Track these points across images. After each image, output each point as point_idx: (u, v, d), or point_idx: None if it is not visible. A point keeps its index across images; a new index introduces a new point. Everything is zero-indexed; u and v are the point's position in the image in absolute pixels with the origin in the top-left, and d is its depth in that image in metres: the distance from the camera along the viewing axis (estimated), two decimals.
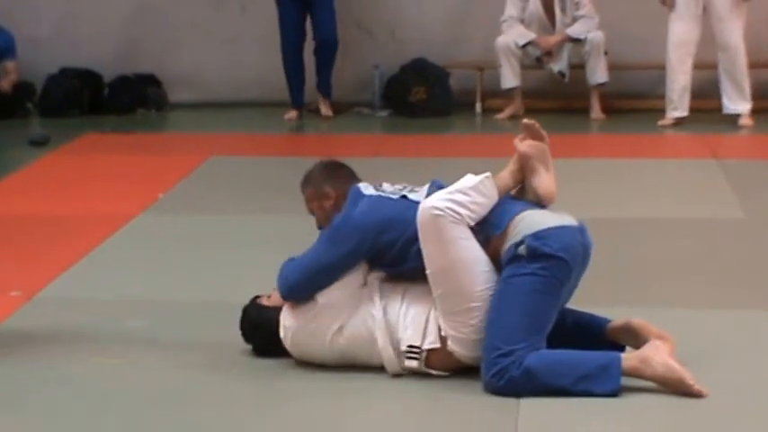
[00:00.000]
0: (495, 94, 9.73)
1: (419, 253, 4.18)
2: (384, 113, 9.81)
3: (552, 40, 9.36)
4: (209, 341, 4.60)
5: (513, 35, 9.37)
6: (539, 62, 9.50)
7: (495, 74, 9.53)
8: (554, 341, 4.18)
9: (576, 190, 7.19)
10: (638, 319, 4.32)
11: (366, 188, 4.35)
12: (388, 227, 4.22)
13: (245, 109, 9.99)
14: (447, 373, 4.23)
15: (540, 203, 4.26)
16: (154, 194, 7.00)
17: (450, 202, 4.12)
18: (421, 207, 4.15)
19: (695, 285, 5.41)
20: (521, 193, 4.32)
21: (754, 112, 9.13)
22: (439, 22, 9.98)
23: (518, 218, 4.17)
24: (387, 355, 4.23)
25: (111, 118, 9.50)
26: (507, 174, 4.28)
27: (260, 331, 4.41)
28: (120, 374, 4.36)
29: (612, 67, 9.47)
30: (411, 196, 4.29)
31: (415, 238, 4.17)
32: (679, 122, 9.06)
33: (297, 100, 9.66)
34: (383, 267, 4.32)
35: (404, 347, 4.22)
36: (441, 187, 4.30)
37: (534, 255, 4.09)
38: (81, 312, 5.13)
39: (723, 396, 4.12)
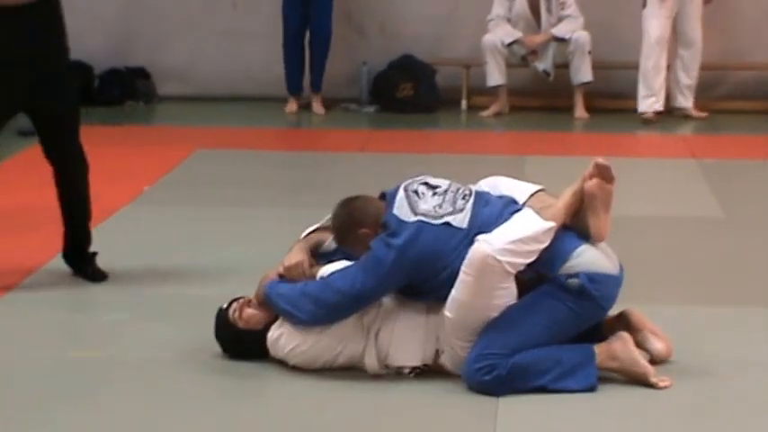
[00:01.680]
0: (481, 92, 9.78)
1: (447, 284, 4.12)
2: (371, 109, 9.85)
3: (537, 39, 9.42)
4: (192, 335, 4.61)
5: (500, 34, 9.44)
6: (524, 61, 9.56)
7: (480, 71, 9.58)
8: None
9: (559, 188, 7.25)
10: (635, 312, 4.40)
11: (404, 212, 4.17)
12: (430, 260, 4.13)
13: (234, 103, 9.99)
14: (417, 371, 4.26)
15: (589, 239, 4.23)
16: (139, 187, 7.02)
17: (510, 254, 4.05)
18: (478, 248, 4.04)
19: (674, 283, 5.46)
20: (571, 222, 4.25)
21: (733, 112, 9.36)
22: (427, 20, 10.02)
23: (574, 254, 4.14)
24: (370, 364, 4.25)
25: (101, 110, 9.52)
26: (563, 209, 4.21)
27: (244, 345, 4.37)
28: (97, 369, 4.37)
29: (596, 67, 9.53)
30: (454, 222, 4.17)
31: (452, 274, 4.09)
32: (654, 119, 9.20)
33: (295, 86, 9.66)
34: (407, 294, 4.25)
35: (396, 365, 4.22)
36: (487, 204, 4.20)
37: (582, 294, 4.11)
38: (61, 305, 5.15)
39: (699, 391, 4.20)
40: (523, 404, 4.08)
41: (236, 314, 4.34)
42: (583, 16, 9.41)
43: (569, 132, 9.18)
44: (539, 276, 4.16)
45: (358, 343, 4.24)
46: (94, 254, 5.39)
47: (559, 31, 9.39)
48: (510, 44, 9.42)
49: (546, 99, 9.78)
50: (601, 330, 4.34)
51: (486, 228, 4.14)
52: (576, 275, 4.11)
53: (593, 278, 4.12)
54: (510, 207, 4.24)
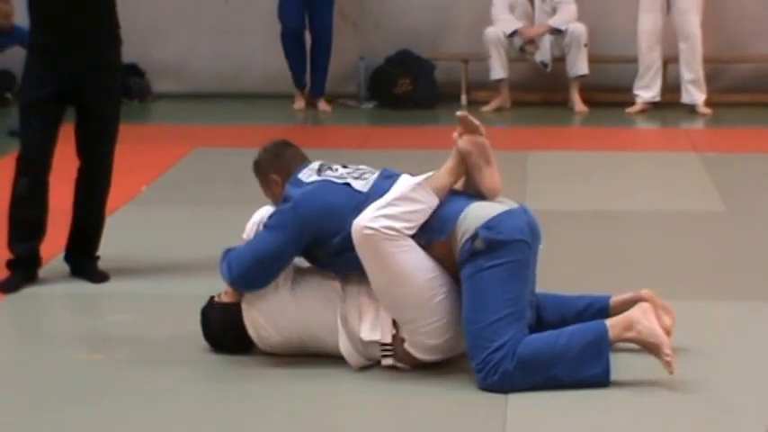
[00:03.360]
0: (480, 86, 9.76)
1: (344, 252, 4.17)
2: (369, 105, 9.82)
3: (534, 30, 9.39)
4: (194, 335, 4.57)
5: (502, 25, 9.39)
6: (522, 52, 9.53)
7: (479, 66, 9.56)
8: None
9: (558, 183, 7.25)
10: (645, 291, 4.39)
11: (309, 176, 4.33)
12: (328, 213, 4.21)
13: (231, 100, 9.98)
14: (410, 368, 4.25)
15: (484, 197, 4.23)
16: (137, 186, 7.01)
17: (383, 218, 4.09)
18: (354, 227, 4.11)
19: (676, 277, 5.45)
20: (464, 186, 4.27)
21: (733, 105, 9.35)
22: (424, 14, 9.99)
23: (461, 216, 4.15)
24: (347, 351, 4.25)
25: None
26: (445, 173, 4.22)
27: (232, 332, 4.38)
28: (100, 371, 4.36)
29: (595, 61, 9.52)
30: (355, 185, 4.26)
31: (346, 239, 4.15)
32: (646, 110, 9.26)
33: (297, 82, 9.63)
34: (330, 262, 4.28)
35: (366, 339, 4.22)
36: (390, 177, 4.28)
37: (492, 245, 4.08)
38: (63, 307, 5.15)
39: (705, 386, 4.18)
40: (533, 398, 4.05)
41: (219, 297, 4.43)
42: (575, 3, 9.39)
43: (569, 126, 9.17)
44: (440, 246, 4.13)
45: (329, 330, 4.25)
46: (97, 257, 5.38)
47: (555, 21, 9.36)
48: (510, 35, 9.39)
49: (546, 93, 9.75)
50: (608, 313, 4.33)
51: (384, 194, 4.19)
52: (474, 236, 4.09)
53: (489, 225, 4.10)
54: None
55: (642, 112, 9.35)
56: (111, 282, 5.33)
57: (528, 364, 4.07)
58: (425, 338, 4.18)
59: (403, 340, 4.21)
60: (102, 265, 5.40)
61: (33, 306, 5.10)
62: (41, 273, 5.35)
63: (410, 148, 8.11)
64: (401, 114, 9.49)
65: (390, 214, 4.09)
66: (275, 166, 4.43)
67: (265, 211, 4.42)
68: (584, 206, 6.71)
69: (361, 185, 4.26)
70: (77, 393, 4.17)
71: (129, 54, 9.87)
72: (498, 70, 9.43)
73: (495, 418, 3.95)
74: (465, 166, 4.22)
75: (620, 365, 4.22)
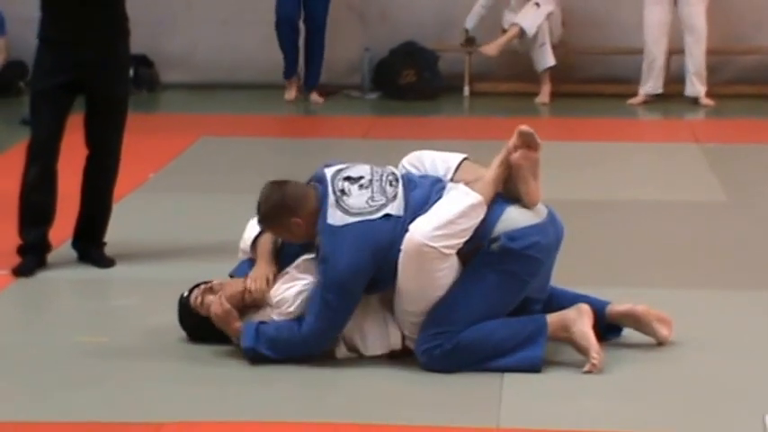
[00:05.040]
0: (483, 78, 9.81)
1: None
2: (373, 96, 9.86)
3: (487, 49, 9.46)
4: None
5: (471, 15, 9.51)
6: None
7: (482, 57, 9.61)
8: None
9: (559, 173, 7.28)
10: (641, 306, 4.40)
11: (337, 216, 4.13)
12: (384, 255, 4.13)
13: (237, 90, 10.00)
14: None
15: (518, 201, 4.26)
16: (144, 174, 7.06)
17: (444, 238, 4.08)
18: (411, 236, 4.07)
19: (677, 267, 5.49)
20: (504, 189, 4.27)
21: (737, 96, 9.40)
22: (429, 5, 10.02)
23: (499, 222, 4.17)
24: (341, 354, 4.29)
25: None
26: (491, 183, 4.21)
27: (202, 332, 4.40)
28: (104, 354, 4.40)
29: (599, 52, 9.55)
30: (392, 212, 4.16)
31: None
32: (648, 101, 9.29)
33: (290, 73, 9.63)
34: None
35: (369, 355, 4.25)
36: (415, 186, 4.20)
37: (505, 252, 4.14)
38: (70, 292, 5.21)
39: (705, 374, 4.23)
40: (528, 384, 4.11)
41: (198, 301, 4.37)
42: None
43: (570, 117, 9.19)
44: (475, 248, 4.17)
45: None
46: (104, 243, 5.45)
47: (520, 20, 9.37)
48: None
49: (552, 86, 9.75)
50: (604, 319, 4.38)
51: (420, 210, 4.16)
52: (497, 239, 4.14)
53: (513, 236, 4.14)
54: (437, 185, 4.25)
55: (644, 103, 9.38)
56: (117, 267, 5.39)
57: (465, 348, 4.13)
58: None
59: (404, 337, 4.26)
60: (108, 251, 5.46)
61: (41, 290, 5.17)
62: (49, 258, 5.41)
63: (413, 139, 8.14)
64: (405, 105, 9.52)
65: (451, 233, 4.09)
66: (292, 211, 4.21)
67: (256, 224, 4.33)
68: (585, 196, 6.73)
69: (396, 209, 4.17)
70: (81, 376, 4.22)
71: (138, 45, 9.89)
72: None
73: (490, 402, 4.00)
74: (508, 175, 4.22)
75: (619, 354, 4.28)
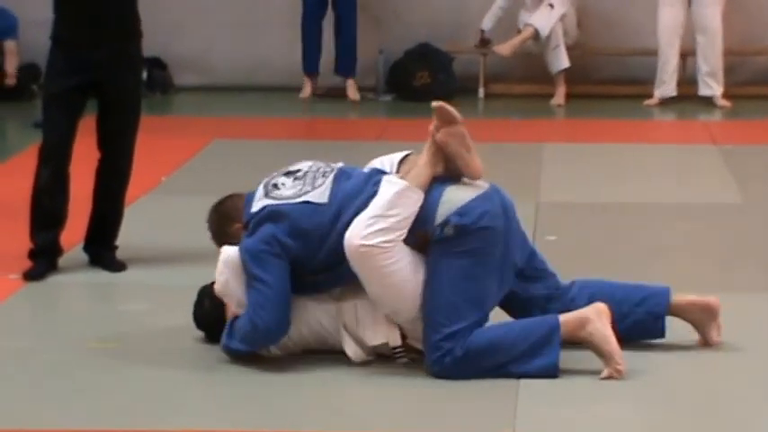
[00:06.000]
0: (498, 79, 9.77)
1: (334, 266, 4.15)
2: (388, 98, 9.84)
3: (501, 48, 9.43)
4: None
5: (488, 16, 9.49)
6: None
7: (497, 59, 9.58)
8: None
9: (574, 175, 7.26)
10: (714, 298, 4.35)
11: (258, 202, 4.23)
12: (299, 237, 4.14)
13: (250, 93, 10.00)
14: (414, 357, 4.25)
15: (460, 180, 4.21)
16: (157, 177, 7.04)
17: (378, 233, 4.04)
18: (348, 244, 4.06)
19: (694, 269, 5.46)
20: (445, 172, 4.20)
21: (752, 97, 9.37)
22: (443, 7, 9.99)
23: (439, 204, 4.12)
24: (351, 350, 4.25)
25: None
26: (423, 167, 4.15)
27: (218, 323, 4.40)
28: (113, 359, 4.38)
29: (614, 53, 9.51)
30: (313, 199, 4.18)
31: (332, 253, 4.13)
32: (664, 102, 9.26)
33: (311, 66, 9.65)
34: (319, 281, 4.22)
35: (372, 345, 4.22)
36: (349, 177, 4.20)
37: (461, 232, 4.08)
38: (80, 296, 5.20)
39: (722, 377, 4.19)
40: (544, 388, 4.06)
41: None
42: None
43: (585, 119, 9.15)
44: (425, 237, 4.11)
45: (329, 330, 4.25)
46: (116, 246, 5.43)
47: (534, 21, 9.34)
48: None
49: (567, 87, 9.71)
50: (666, 310, 4.30)
51: (350, 201, 4.15)
52: (446, 222, 4.08)
53: (460, 212, 4.09)
54: (374, 177, 4.22)
55: (660, 104, 9.33)
56: (129, 271, 5.37)
57: (477, 354, 4.08)
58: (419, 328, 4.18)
59: (405, 337, 4.23)
60: (120, 254, 5.44)
61: (51, 294, 5.15)
62: (61, 262, 5.39)
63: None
64: (419, 107, 9.46)
65: (384, 228, 4.05)
66: (231, 219, 4.36)
67: (230, 251, 4.30)
68: (600, 198, 6.71)
69: (318, 196, 4.19)
70: (93, 382, 4.20)
71: (151, 47, 10.01)
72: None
73: (506, 408, 3.96)
74: (442, 155, 4.16)
75: (635, 358, 4.22)
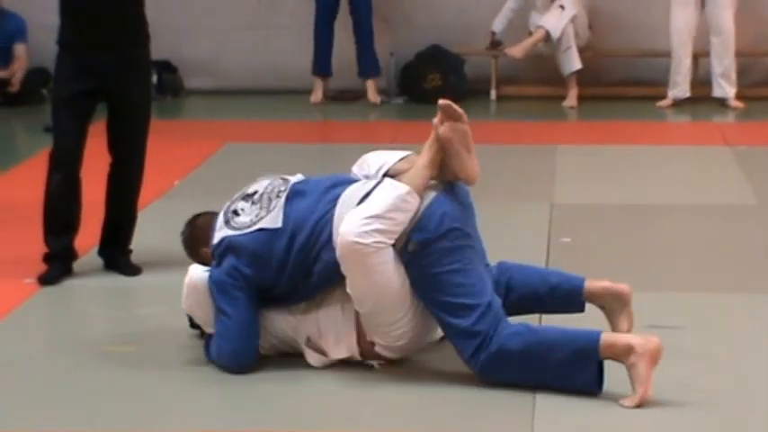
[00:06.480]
0: (510, 81, 9.75)
1: (303, 284, 4.16)
2: (399, 100, 9.83)
3: (513, 51, 9.44)
4: None
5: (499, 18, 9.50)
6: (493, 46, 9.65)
7: (508, 61, 9.56)
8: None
9: (588, 177, 7.23)
10: (625, 285, 4.28)
11: (218, 233, 4.25)
12: (258, 265, 4.15)
13: (262, 96, 10.00)
14: (382, 363, 4.23)
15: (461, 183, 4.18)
16: (169, 181, 7.04)
17: (375, 233, 4.01)
18: (341, 236, 4.02)
19: (709, 271, 5.44)
20: (440, 177, 4.15)
21: (763, 99, 9.37)
22: (454, 9, 9.98)
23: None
24: (313, 359, 4.25)
25: None
26: (423, 167, 4.11)
27: None
28: (130, 364, 4.38)
29: (627, 55, 9.49)
30: (267, 225, 4.17)
31: (297, 273, 4.13)
32: (677, 104, 9.25)
33: (321, 69, 9.64)
34: (286, 297, 4.22)
35: (336, 358, 4.21)
36: (301, 194, 4.19)
37: (424, 245, 4.04)
38: (95, 300, 5.19)
39: (734, 383, 4.15)
40: (561, 401, 4.02)
41: None
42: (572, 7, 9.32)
43: (598, 121, 9.13)
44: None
45: (296, 339, 4.27)
46: (130, 250, 5.42)
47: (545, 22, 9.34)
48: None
49: (580, 89, 9.69)
50: (580, 295, 4.28)
51: (303, 222, 4.14)
52: (408, 241, 4.05)
53: (419, 227, 4.03)
54: (331, 192, 4.18)
55: (673, 106, 9.31)
56: (144, 275, 5.37)
57: (509, 355, 3.98)
58: (396, 340, 4.17)
59: (373, 344, 4.20)
60: (134, 258, 5.44)
61: (67, 298, 5.15)
62: (76, 266, 5.39)
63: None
64: (431, 109, 9.38)
65: (380, 229, 4.02)
66: (200, 242, 4.41)
67: (194, 274, 4.32)
68: (614, 200, 6.69)
69: (271, 222, 4.18)
70: (109, 386, 4.20)
71: (162, 50, 10.04)
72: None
73: (523, 413, 3.94)
74: (442, 156, 4.11)
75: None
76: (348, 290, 4.11)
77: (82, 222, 5.38)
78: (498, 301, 4.12)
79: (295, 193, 4.24)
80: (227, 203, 4.37)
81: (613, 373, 4.02)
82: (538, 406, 3.98)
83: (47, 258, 5.31)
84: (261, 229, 4.19)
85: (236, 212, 4.29)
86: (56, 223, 5.30)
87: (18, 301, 5.07)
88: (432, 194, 4.11)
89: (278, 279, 4.18)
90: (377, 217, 4.02)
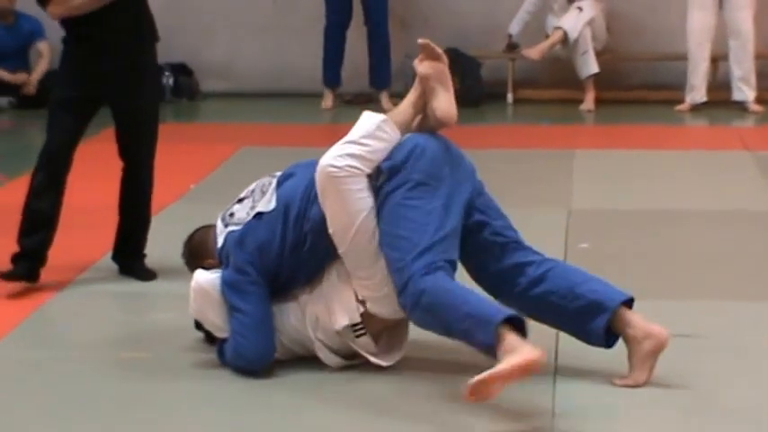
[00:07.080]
0: (527, 84, 9.72)
1: (300, 268, 4.19)
2: None
3: (530, 52, 9.43)
4: None
5: (517, 20, 9.49)
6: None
7: (525, 64, 9.53)
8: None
9: (606, 182, 7.20)
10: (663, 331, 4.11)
11: (221, 237, 4.32)
12: (267, 250, 4.19)
13: (277, 99, 10.00)
14: (391, 363, 4.22)
15: (439, 127, 4.20)
16: (185, 185, 7.02)
17: (347, 157, 4.08)
18: (318, 167, 4.11)
19: (729, 278, 5.39)
20: (420, 124, 4.22)
21: None
22: (471, 11, 9.96)
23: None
24: (323, 355, 4.25)
25: None
26: (408, 105, 4.22)
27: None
28: (145, 371, 4.36)
29: (645, 58, 9.44)
30: (263, 208, 4.25)
31: (294, 246, 4.16)
32: (696, 108, 9.19)
33: (331, 79, 9.61)
34: (289, 280, 4.25)
35: (340, 329, 4.18)
36: (286, 175, 4.29)
37: (391, 171, 4.08)
38: (110, 304, 5.17)
39: (754, 387, 4.11)
40: (581, 389, 4.02)
41: None
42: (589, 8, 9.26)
43: (616, 125, 9.09)
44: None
45: (303, 331, 4.26)
46: (144, 255, 5.39)
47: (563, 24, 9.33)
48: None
49: (597, 92, 9.65)
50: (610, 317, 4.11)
51: (294, 193, 4.21)
52: (379, 171, 4.10)
53: (390, 156, 4.08)
54: (314, 167, 4.20)
55: (692, 110, 9.27)
56: (159, 280, 5.34)
57: (429, 297, 3.94)
58: (378, 288, 4.11)
59: (364, 302, 4.16)
60: (149, 262, 5.41)
61: (81, 304, 5.13)
62: (90, 272, 5.37)
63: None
64: None
65: (354, 153, 4.08)
66: (202, 256, 4.45)
67: (200, 278, 4.33)
68: (632, 205, 6.66)
69: (265, 205, 4.25)
70: (124, 393, 4.18)
71: (177, 53, 10.08)
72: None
73: (544, 396, 3.92)
74: (426, 100, 4.18)
75: (680, 367, 4.16)
76: (329, 229, 4.11)
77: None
78: (451, 256, 4.05)
79: (285, 177, 4.34)
80: (223, 212, 4.44)
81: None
82: (558, 389, 3.97)
83: (14, 257, 5.17)
84: (258, 214, 4.27)
85: (231, 215, 4.37)
86: (29, 222, 5.16)
87: (33, 307, 5.05)
88: (411, 134, 4.19)
89: (282, 261, 4.20)
90: (351, 142, 4.11)
